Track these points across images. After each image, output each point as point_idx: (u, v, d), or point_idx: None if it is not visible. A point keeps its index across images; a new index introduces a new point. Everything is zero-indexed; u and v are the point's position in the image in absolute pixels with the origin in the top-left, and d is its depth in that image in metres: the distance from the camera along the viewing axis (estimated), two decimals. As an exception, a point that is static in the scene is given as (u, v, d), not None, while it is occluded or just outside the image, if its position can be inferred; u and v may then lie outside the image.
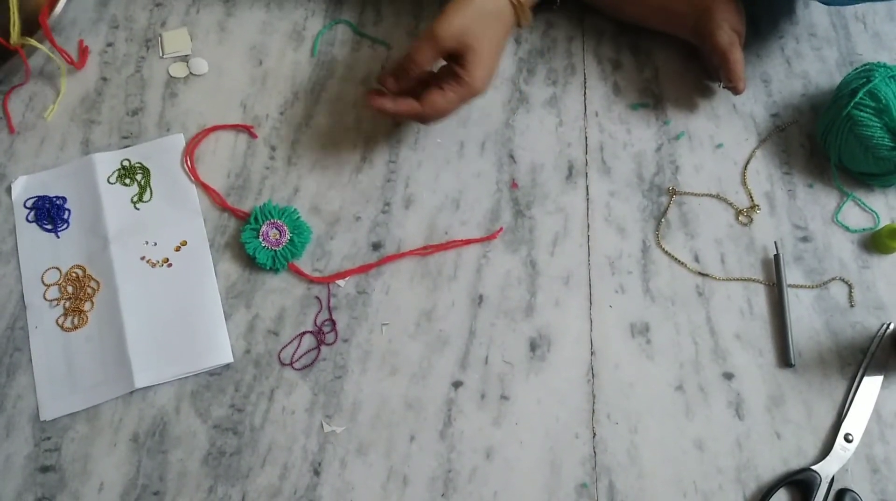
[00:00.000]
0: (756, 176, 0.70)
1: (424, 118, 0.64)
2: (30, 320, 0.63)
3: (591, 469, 0.59)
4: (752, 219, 0.68)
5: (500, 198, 0.69)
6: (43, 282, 0.65)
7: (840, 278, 0.65)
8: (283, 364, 0.62)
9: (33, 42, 0.71)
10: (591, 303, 0.65)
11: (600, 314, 0.64)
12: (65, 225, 0.67)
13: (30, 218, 0.67)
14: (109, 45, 0.76)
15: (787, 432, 0.60)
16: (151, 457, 0.59)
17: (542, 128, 0.72)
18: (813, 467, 0.58)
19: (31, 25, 0.71)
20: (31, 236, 0.66)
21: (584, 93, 0.73)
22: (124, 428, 0.60)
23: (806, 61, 0.75)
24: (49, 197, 0.67)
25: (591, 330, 0.64)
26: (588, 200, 0.69)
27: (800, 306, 0.64)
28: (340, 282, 0.65)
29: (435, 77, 0.65)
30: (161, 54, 0.75)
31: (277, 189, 0.69)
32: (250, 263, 0.65)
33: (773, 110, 0.73)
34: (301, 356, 0.63)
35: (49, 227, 0.67)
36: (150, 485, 0.58)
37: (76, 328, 0.63)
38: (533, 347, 0.63)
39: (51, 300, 0.64)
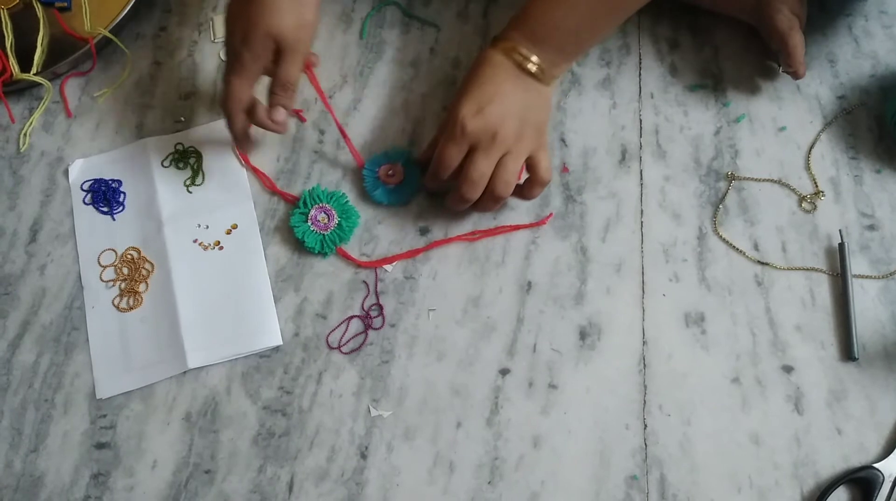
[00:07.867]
0: (821, 161, 0.67)
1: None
2: (87, 300, 0.65)
3: (642, 461, 0.58)
4: (815, 206, 0.65)
5: (550, 183, 0.67)
6: (99, 263, 0.66)
7: (909, 269, 0.63)
8: (330, 348, 0.63)
9: (107, 33, 0.72)
10: (643, 291, 0.63)
11: (653, 302, 0.62)
12: (120, 208, 0.68)
13: (86, 201, 0.68)
14: (162, 29, 0.76)
15: (848, 428, 0.58)
16: (203, 436, 0.60)
17: (594, 110, 0.70)
18: (875, 465, 0.56)
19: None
20: (87, 218, 0.68)
21: (639, 74, 0.71)
22: (177, 407, 0.61)
23: (875, 40, 0.71)
24: (105, 180, 0.69)
25: (644, 319, 0.62)
26: (642, 185, 0.67)
27: (865, 298, 0.62)
28: (388, 267, 0.65)
29: None
30: (213, 38, 0.75)
31: (326, 173, 0.69)
32: (299, 247, 0.66)
33: (840, 92, 0.69)
34: (349, 340, 0.63)
35: (105, 209, 0.68)
36: (202, 463, 0.60)
37: (131, 308, 0.64)
38: (582, 335, 0.62)
39: (107, 281, 0.65)
